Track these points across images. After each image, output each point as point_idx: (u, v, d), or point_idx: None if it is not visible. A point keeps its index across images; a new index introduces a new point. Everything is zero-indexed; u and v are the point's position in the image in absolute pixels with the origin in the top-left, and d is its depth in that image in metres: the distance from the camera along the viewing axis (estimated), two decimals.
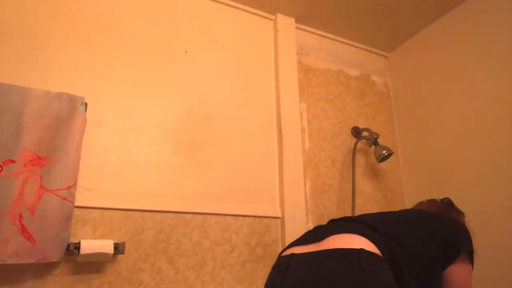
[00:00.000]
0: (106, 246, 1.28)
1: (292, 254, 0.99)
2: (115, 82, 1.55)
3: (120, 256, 1.36)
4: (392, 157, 2.04)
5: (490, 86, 1.75)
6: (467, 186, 1.79)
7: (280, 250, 1.68)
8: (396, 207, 2.09)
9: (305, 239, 1.03)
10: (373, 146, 1.99)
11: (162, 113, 1.61)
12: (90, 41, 1.55)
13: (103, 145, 1.45)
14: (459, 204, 1.92)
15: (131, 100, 1.56)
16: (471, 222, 1.72)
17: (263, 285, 1.59)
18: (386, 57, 2.41)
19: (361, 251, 0.88)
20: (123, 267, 1.36)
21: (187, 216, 1.52)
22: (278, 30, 2.00)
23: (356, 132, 2.10)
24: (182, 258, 1.47)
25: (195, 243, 1.51)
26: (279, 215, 1.72)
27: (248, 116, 1.82)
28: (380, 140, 2.01)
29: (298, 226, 1.73)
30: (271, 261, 1.64)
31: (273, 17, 2.04)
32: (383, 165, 2.13)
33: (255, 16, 2.01)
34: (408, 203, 2.11)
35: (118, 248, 1.32)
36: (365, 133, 2.07)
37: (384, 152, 1.93)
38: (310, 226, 1.80)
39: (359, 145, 2.05)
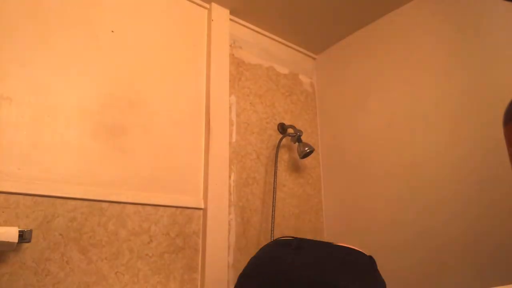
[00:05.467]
0: (9, 233, 1.16)
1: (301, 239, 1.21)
2: (30, 56, 1.41)
3: (25, 245, 1.25)
4: (313, 154, 2.14)
5: (404, 93, 1.92)
6: (380, 185, 1.95)
7: (201, 241, 1.68)
8: (314, 201, 2.20)
9: None
10: (297, 143, 2.07)
11: (82, 94, 1.50)
12: (3, 9, 1.39)
13: (12, 124, 1.32)
14: (368, 199, 2.08)
15: (47, 77, 1.43)
16: (383, 215, 1.87)
17: (181, 276, 1.58)
18: (314, 58, 2.51)
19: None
20: (29, 257, 1.25)
21: (103, 204, 1.45)
22: (212, 20, 1.98)
23: (282, 128, 2.16)
24: (95, 248, 1.40)
25: (110, 233, 1.44)
26: (202, 206, 1.72)
27: (175, 103, 1.78)
28: (303, 137, 2.10)
29: (220, 217, 1.74)
30: (191, 252, 1.64)
31: (207, 6, 2.01)
32: (305, 161, 2.22)
33: (189, 3, 1.96)
34: (325, 198, 2.24)
35: (24, 236, 1.22)
36: (290, 130, 2.14)
37: (306, 149, 2.02)
38: (233, 218, 1.82)
39: (284, 141, 2.11)
